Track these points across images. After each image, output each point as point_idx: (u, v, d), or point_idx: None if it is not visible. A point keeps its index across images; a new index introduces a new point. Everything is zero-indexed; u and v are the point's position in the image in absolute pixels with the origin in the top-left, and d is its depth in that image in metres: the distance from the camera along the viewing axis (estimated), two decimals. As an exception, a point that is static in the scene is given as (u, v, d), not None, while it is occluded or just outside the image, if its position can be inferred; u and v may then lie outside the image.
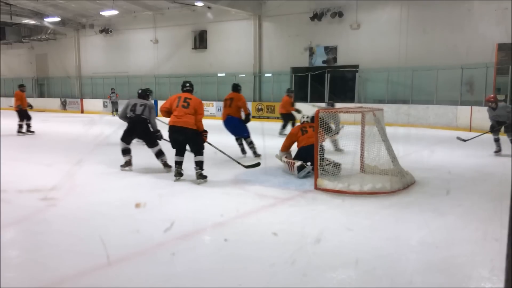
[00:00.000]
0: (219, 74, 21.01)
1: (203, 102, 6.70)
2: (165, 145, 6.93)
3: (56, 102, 26.38)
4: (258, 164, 7.05)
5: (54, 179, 6.14)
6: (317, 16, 18.13)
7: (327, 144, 7.73)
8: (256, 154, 8.45)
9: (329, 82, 18.04)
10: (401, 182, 5.80)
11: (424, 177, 6.47)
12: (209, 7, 20.00)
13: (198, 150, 6.19)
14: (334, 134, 7.85)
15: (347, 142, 7.06)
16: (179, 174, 6.32)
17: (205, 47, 21.95)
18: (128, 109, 7.03)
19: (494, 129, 9.09)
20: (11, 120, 13.03)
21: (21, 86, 12.81)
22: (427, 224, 4.42)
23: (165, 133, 6.82)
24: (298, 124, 7.68)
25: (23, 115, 12.46)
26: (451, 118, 14.57)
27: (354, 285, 3.16)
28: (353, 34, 17.83)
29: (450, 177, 6.65)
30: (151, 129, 7.13)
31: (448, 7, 15.52)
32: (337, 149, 8.68)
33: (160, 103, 22.32)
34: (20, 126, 12.45)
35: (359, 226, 4.36)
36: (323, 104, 13.79)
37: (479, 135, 9.85)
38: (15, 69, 29.65)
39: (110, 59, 25.46)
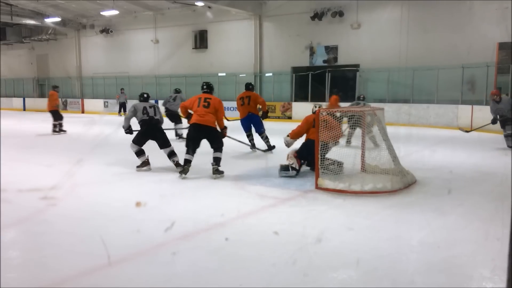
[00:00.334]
0: (219, 74, 21.01)
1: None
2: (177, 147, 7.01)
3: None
4: (273, 147, 8.55)
5: (54, 179, 6.14)
6: (317, 16, 18.13)
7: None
8: (270, 147, 8.92)
9: (329, 81, 18.04)
10: (402, 182, 5.79)
11: (425, 176, 6.46)
12: (209, 7, 19.99)
13: (218, 147, 6.52)
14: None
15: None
16: (184, 172, 6.43)
17: (206, 47, 21.96)
18: (139, 113, 7.10)
19: (495, 122, 9.40)
20: (10, 121, 13.02)
21: (55, 87, 13.24)
22: (428, 224, 4.42)
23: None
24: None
25: (57, 115, 12.85)
26: (452, 117, 14.57)
27: (355, 285, 3.15)
28: (354, 33, 17.82)
29: (451, 177, 6.64)
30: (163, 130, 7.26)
31: (449, 6, 15.51)
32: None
33: (161, 103, 22.37)
34: (55, 126, 12.87)
35: (360, 226, 4.35)
36: (323, 104, 13.76)
37: (482, 127, 10.23)
38: (16, 69, 29.70)
39: (110, 59, 25.48)
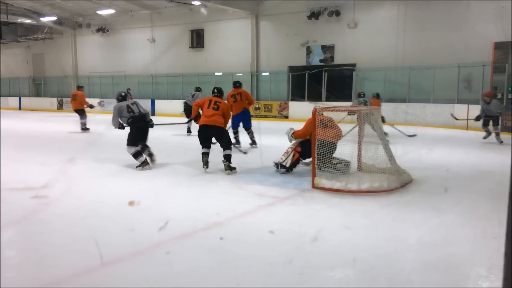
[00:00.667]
0: (216, 73, 20.99)
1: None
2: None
3: (52, 101, 26.31)
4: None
5: (47, 178, 6.12)
6: (314, 15, 18.13)
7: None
8: (255, 143, 9.41)
9: (326, 81, 18.05)
10: (398, 181, 5.80)
11: (422, 175, 6.47)
12: (205, 6, 19.96)
13: (227, 145, 6.86)
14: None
15: (344, 141, 7.03)
16: (206, 164, 6.84)
17: (202, 46, 21.92)
18: (124, 112, 7.21)
19: (478, 119, 10.50)
20: (10, 121, 12.97)
21: (81, 87, 13.89)
22: (425, 223, 4.43)
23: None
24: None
25: (83, 114, 13.24)
26: (448, 116, 14.59)
27: (352, 284, 3.15)
28: (351, 33, 17.83)
29: (448, 176, 6.66)
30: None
31: (445, 6, 15.54)
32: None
33: (158, 102, 22.24)
34: (84, 124, 13.19)
35: (357, 225, 4.35)
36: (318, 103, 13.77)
37: (471, 119, 11.14)
38: (12, 68, 29.57)
39: (107, 59, 25.41)
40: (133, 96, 21.52)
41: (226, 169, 6.76)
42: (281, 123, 16.61)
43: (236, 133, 9.45)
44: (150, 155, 7.32)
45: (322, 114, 6.30)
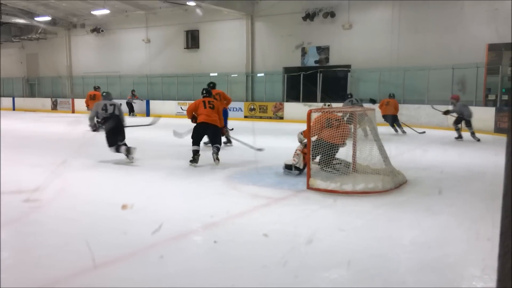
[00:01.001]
0: (211, 74, 20.95)
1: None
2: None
3: (47, 102, 26.18)
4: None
5: (41, 179, 6.08)
6: (309, 16, 18.16)
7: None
8: (230, 141, 9.65)
9: (321, 82, 18.08)
10: (393, 182, 5.81)
11: (416, 176, 6.49)
12: (200, 6, 19.92)
13: (218, 141, 7.55)
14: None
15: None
16: (195, 161, 7.29)
17: (197, 47, 21.89)
18: (99, 109, 7.56)
19: (446, 114, 11.88)
20: (3, 121, 12.88)
21: (98, 88, 14.82)
22: (419, 224, 4.44)
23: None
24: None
25: None
26: (442, 117, 14.64)
27: (347, 284, 3.16)
28: (345, 34, 17.88)
29: (442, 177, 6.69)
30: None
31: (440, 7, 15.62)
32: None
33: (152, 103, 22.16)
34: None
35: (352, 226, 4.36)
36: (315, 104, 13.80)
37: (446, 112, 11.97)
38: (5, 68, 29.36)
39: (101, 59, 25.31)
40: (133, 96, 21.49)
41: (214, 160, 7.40)
42: (276, 124, 16.63)
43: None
44: (128, 151, 7.56)
45: (330, 112, 6.45)
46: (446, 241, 3.97)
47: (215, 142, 7.47)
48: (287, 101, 19.06)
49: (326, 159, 6.25)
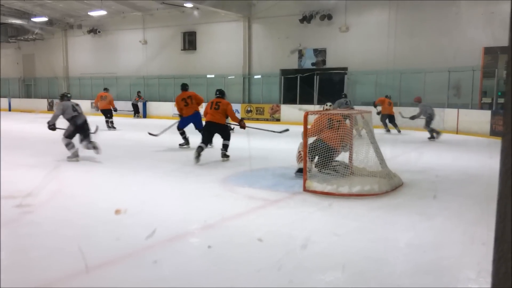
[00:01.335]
0: (208, 76, 20.96)
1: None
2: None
3: (43, 103, 26.09)
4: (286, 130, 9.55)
5: (36, 181, 6.05)
6: (306, 19, 18.20)
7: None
8: (187, 142, 9.95)
9: (318, 84, 18.11)
10: (389, 184, 5.83)
11: (412, 179, 6.51)
12: (197, 8, 19.92)
13: (226, 137, 8.29)
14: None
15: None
16: (198, 157, 7.73)
17: (194, 49, 21.89)
18: (69, 110, 8.00)
19: (413, 118, 12.34)
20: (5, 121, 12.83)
21: (108, 89, 15.70)
22: (414, 226, 4.45)
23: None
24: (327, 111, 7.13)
25: (110, 113, 14.88)
26: (438, 120, 14.67)
27: (342, 286, 3.16)
28: (342, 36, 17.93)
29: (437, 180, 6.70)
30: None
31: (436, 10, 15.69)
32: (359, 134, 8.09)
33: (149, 104, 22.08)
34: (107, 122, 14.70)
35: (348, 228, 4.37)
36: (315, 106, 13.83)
37: (417, 117, 12.28)
38: (1, 69, 29.25)
39: (98, 60, 25.27)
40: (139, 98, 21.44)
41: (222, 156, 8.13)
42: (273, 126, 16.63)
43: (182, 133, 9.98)
44: (95, 147, 8.04)
45: (332, 113, 6.48)
46: (441, 244, 3.98)
47: (223, 137, 8.25)
48: (284, 103, 19.04)
49: (324, 162, 6.25)
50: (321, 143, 6.34)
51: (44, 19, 24.04)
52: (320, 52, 18.59)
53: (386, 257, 3.67)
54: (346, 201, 5.33)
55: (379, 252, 3.75)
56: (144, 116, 21.52)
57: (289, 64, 19.27)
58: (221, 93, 8.54)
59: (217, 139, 8.57)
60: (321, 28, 18.26)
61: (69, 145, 8.03)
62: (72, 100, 8.35)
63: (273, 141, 11.01)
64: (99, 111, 15.13)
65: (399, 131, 13.67)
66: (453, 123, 14.12)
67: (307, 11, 18.19)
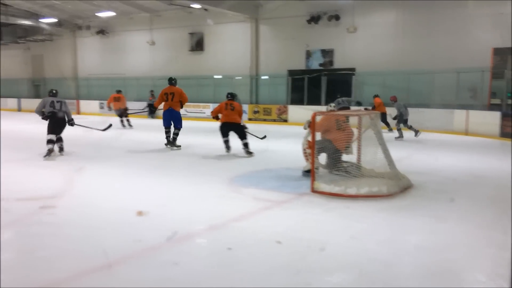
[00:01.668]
0: (215, 76, 20.98)
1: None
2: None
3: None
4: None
5: (55, 186, 6.10)
6: (314, 19, 18.15)
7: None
8: (175, 143, 9.92)
9: (325, 85, 18.06)
10: (397, 186, 5.79)
11: (420, 180, 6.46)
12: (206, 9, 19.93)
13: (243, 136, 8.89)
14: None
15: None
16: (228, 148, 9.00)
17: (202, 49, 21.91)
18: (47, 105, 8.49)
19: (395, 118, 12.76)
20: (8, 122, 12.91)
21: (120, 91, 16.19)
22: (423, 228, 4.42)
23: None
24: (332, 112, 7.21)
25: (125, 113, 15.56)
26: (447, 122, 14.60)
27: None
28: (350, 37, 17.86)
29: (446, 181, 6.65)
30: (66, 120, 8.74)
31: (444, 11, 15.57)
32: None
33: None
34: (122, 121, 15.56)
35: (355, 230, 4.34)
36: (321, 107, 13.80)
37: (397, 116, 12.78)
38: (11, 69, 29.52)
39: (106, 61, 25.38)
40: (153, 97, 21.50)
41: (246, 153, 8.76)
42: (280, 127, 16.61)
43: (167, 132, 10.03)
44: (61, 148, 8.65)
45: (339, 114, 6.47)
46: (450, 246, 3.94)
47: (240, 137, 8.84)
48: (291, 104, 19.00)
49: (333, 162, 6.27)
50: (329, 144, 6.33)
51: (53, 20, 24.19)
52: (327, 53, 18.53)
53: (394, 259, 3.64)
54: (354, 202, 5.30)
55: (386, 253, 3.73)
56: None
57: (297, 65, 19.24)
58: (232, 96, 9.23)
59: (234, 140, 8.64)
60: (329, 28, 18.21)
61: (48, 143, 8.35)
62: (61, 98, 8.86)
63: (280, 142, 11.00)
64: (113, 111, 15.84)
65: (390, 130, 14.10)
66: (462, 125, 14.00)
67: (315, 12, 18.14)
